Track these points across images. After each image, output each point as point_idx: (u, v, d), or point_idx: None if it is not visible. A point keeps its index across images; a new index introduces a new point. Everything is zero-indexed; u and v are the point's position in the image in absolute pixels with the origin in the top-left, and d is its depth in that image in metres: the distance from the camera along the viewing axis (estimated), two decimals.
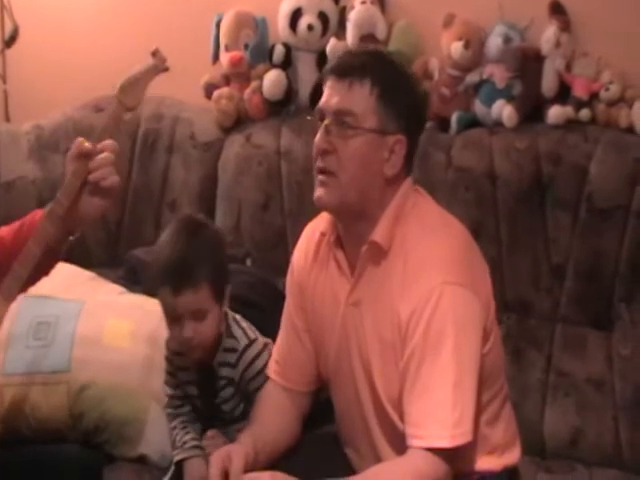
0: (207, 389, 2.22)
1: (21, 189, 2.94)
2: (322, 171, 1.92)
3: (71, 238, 2.01)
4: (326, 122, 1.90)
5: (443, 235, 1.94)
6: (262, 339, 2.23)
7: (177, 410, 2.30)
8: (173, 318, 2.13)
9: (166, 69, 1.99)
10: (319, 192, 1.92)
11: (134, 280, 2.75)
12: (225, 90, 2.96)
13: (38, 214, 2.02)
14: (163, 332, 2.41)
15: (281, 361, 2.17)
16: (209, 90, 3.00)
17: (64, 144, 2.96)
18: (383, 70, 1.93)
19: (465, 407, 1.85)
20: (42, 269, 2.01)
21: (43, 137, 3.01)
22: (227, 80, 3.02)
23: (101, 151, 1.91)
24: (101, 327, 2.54)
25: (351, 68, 1.91)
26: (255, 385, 2.19)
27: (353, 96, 1.89)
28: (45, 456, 2.19)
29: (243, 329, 2.23)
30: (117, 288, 2.72)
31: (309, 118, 1.97)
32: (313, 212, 2.11)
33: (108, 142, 1.93)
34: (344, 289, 1.99)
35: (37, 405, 2.45)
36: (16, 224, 2.08)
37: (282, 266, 2.57)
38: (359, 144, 1.88)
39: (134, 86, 1.94)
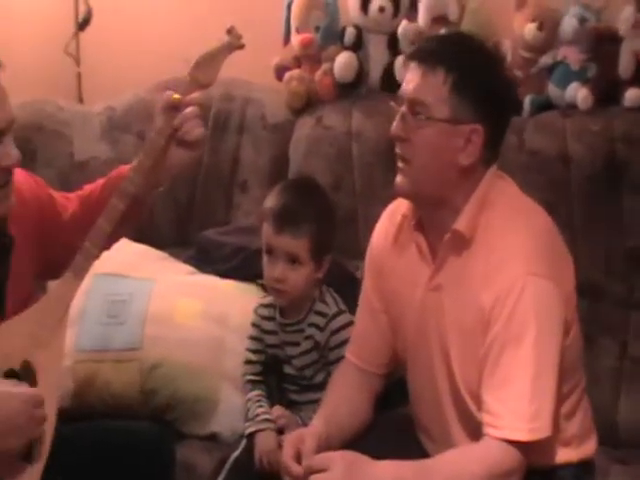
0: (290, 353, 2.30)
1: (94, 169, 2.95)
2: (399, 158, 1.93)
3: (161, 189, 2.06)
4: (402, 109, 1.91)
5: (528, 225, 1.92)
6: (350, 315, 2.29)
7: (258, 377, 2.36)
8: (269, 254, 2.25)
9: (241, 46, 2.00)
10: (397, 179, 1.94)
11: (205, 260, 2.76)
12: (296, 72, 2.96)
13: (123, 169, 2.06)
14: (233, 313, 2.55)
15: (357, 341, 2.18)
16: (280, 72, 3.00)
17: (135, 125, 3.00)
18: (459, 57, 1.90)
19: (543, 402, 1.85)
20: (128, 222, 2.03)
21: (115, 118, 3.04)
22: (298, 62, 3.02)
23: (188, 104, 1.94)
24: (172, 306, 2.57)
25: (426, 55, 1.90)
26: (337, 355, 2.25)
27: (426, 85, 1.88)
28: (117, 432, 2.21)
29: (335, 299, 2.33)
30: (188, 268, 2.75)
31: (392, 104, 1.96)
32: (384, 194, 2.13)
33: (195, 95, 1.96)
34: (424, 273, 1.99)
35: (109, 381, 2.49)
36: (101, 180, 2.13)
37: (352, 248, 2.68)
38: (430, 134, 1.88)
39: (208, 63, 1.97)
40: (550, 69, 2.76)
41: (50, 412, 1.89)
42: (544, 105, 2.75)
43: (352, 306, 2.26)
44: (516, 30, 2.78)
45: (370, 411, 2.14)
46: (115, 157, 2.97)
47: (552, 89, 2.75)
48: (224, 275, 2.68)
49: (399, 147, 1.93)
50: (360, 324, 2.18)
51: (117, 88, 3.14)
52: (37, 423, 1.86)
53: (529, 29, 2.74)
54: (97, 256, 1.98)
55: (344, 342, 2.25)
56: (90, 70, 3.32)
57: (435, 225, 1.97)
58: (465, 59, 1.91)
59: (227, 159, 2.95)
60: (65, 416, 2.03)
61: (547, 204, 2.47)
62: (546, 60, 2.76)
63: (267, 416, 2.27)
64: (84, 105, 3.27)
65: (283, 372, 2.32)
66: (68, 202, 2.14)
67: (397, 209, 2.08)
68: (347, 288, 2.40)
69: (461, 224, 1.91)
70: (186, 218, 2.98)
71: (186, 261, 2.78)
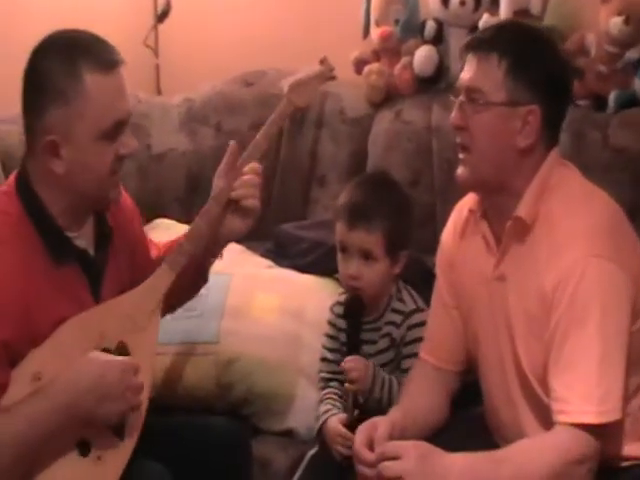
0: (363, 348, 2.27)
1: (171, 161, 3.01)
2: (460, 147, 1.96)
3: (214, 260, 2.14)
4: (459, 99, 1.94)
5: (589, 208, 1.92)
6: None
7: (334, 375, 2.34)
8: (343, 252, 2.25)
9: (333, 78, 2.12)
10: (458, 170, 1.97)
11: (283, 255, 2.78)
12: (375, 65, 2.97)
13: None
14: (311, 308, 2.56)
15: (431, 339, 2.19)
16: (359, 65, 3.01)
17: (214, 117, 3.02)
18: (512, 41, 1.94)
19: (612, 383, 1.83)
20: (186, 292, 2.17)
21: (193, 110, 3.06)
22: (377, 55, 3.02)
23: (244, 172, 2.03)
24: (249, 300, 2.58)
25: (479, 43, 1.95)
26: (410, 351, 2.25)
27: (481, 72, 1.91)
28: (194, 427, 2.23)
29: (412, 296, 2.33)
30: (265, 262, 2.76)
31: (451, 98, 1.98)
32: (464, 190, 2.11)
33: (254, 165, 2.04)
34: (490, 264, 2.00)
35: (186, 375, 2.51)
36: (172, 240, 2.20)
37: (431, 244, 2.56)
38: (488, 118, 1.90)
39: (303, 88, 2.07)
40: (636, 64, 2.73)
41: (142, 397, 1.93)
42: (630, 101, 2.72)
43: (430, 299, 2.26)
44: (601, 24, 2.75)
45: (446, 410, 2.15)
46: (193, 149, 3.01)
47: (638, 85, 2.72)
48: (301, 270, 2.69)
49: (459, 136, 1.95)
50: (434, 321, 2.19)
51: (195, 80, 3.17)
52: (135, 391, 1.89)
53: (615, 23, 2.71)
54: (191, 254, 2.02)
55: (420, 339, 2.24)
56: (169, 62, 3.36)
57: (498, 213, 1.99)
58: (518, 43, 1.94)
59: (305, 153, 2.97)
60: None
61: (631, 203, 2.48)
62: (632, 55, 2.73)
63: (328, 407, 2.27)
64: (162, 97, 3.30)
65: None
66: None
67: (465, 204, 2.11)
68: (426, 284, 2.37)
69: (522, 211, 1.92)
70: (263, 212, 2.90)
71: (263, 255, 2.79)
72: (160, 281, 2.01)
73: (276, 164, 2.99)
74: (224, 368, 2.50)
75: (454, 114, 1.95)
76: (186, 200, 2.98)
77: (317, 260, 2.67)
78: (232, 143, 2.05)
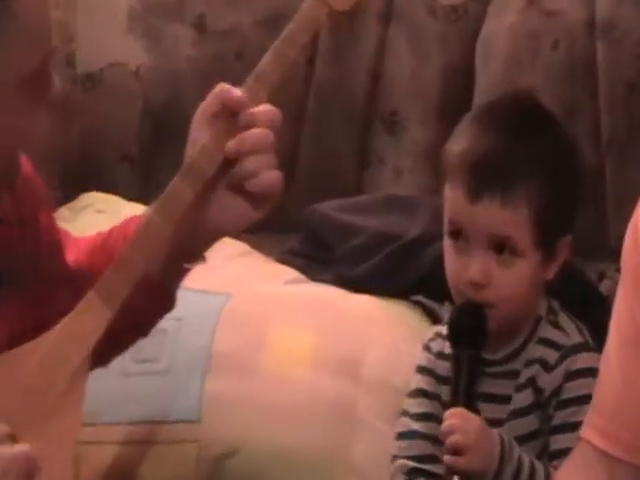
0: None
1: (116, 84, 2.96)
2: None
3: (190, 268, 2.07)
4: None
5: None
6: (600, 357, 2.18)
7: (424, 465, 2.24)
8: (457, 238, 2.17)
9: None
10: None
11: (318, 257, 2.67)
12: None
13: (134, 221, 2.06)
14: (371, 356, 2.45)
15: (608, 409, 2.03)
16: None
17: (193, 8, 2.95)
18: None
19: None
20: (137, 327, 2.08)
21: None
22: None
23: (253, 123, 1.91)
24: (259, 342, 2.47)
25: None
26: (564, 420, 2.15)
27: None
28: None
29: (577, 325, 2.24)
30: (288, 271, 2.66)
31: None
32: None
33: (266, 109, 1.92)
34: None
35: (146, 477, 2.42)
36: (103, 233, 2.16)
37: (594, 242, 2.60)
38: None
39: None
40: None
41: None
42: None
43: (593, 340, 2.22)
44: None
45: None
46: (153, 63, 2.94)
47: None
48: (355, 286, 2.54)
49: None
50: (613, 379, 2.04)
51: None
52: None
53: None
54: (140, 274, 1.90)
55: (585, 399, 2.10)
56: None
57: None
58: None
59: (361, 71, 2.85)
60: None
61: None
62: None
63: None
64: None
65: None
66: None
67: None
68: (582, 309, 2.29)
69: None
70: (284, 181, 2.78)
71: (284, 258, 2.69)
72: (86, 323, 1.90)
73: (307, 93, 2.91)
74: (211, 466, 2.39)
75: None
76: (143, 158, 2.96)
77: (383, 267, 2.53)
78: (222, 85, 1.92)
